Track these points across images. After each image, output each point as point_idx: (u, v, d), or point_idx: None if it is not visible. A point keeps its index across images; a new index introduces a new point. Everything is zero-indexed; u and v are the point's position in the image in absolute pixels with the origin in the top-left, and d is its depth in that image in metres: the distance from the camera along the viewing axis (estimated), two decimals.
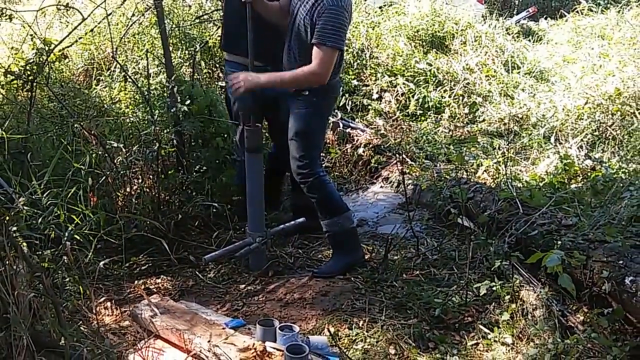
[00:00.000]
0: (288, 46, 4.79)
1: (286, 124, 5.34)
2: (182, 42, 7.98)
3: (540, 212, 4.71)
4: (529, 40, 12.20)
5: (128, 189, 5.39)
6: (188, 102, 5.46)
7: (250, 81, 4.66)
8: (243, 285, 4.80)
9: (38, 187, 3.82)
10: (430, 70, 9.26)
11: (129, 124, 5.90)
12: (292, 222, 5.36)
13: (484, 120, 8.56)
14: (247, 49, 4.74)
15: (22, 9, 7.65)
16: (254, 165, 4.84)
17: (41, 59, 5.06)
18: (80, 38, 7.00)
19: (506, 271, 4.32)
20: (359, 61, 9.20)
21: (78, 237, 3.92)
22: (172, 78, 5.54)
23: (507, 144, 7.34)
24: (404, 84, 8.86)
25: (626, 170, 5.94)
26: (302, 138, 4.83)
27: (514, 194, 5.12)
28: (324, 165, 7.31)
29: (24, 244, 3.46)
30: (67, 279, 3.80)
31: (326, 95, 4.88)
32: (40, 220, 3.63)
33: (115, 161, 5.27)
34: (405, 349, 3.88)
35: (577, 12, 12.95)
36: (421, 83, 9.08)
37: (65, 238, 3.66)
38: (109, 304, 4.51)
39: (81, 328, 3.76)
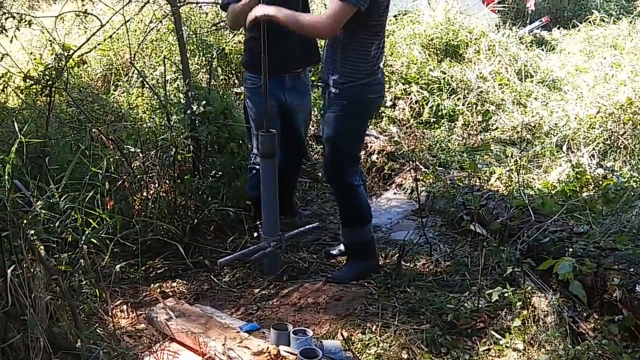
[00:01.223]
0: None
1: (299, 131, 5.39)
2: (199, 48, 8.02)
3: (552, 220, 4.72)
4: (542, 50, 12.18)
5: (145, 194, 5.43)
6: (204, 103, 5.50)
7: (264, 16, 4.48)
8: (257, 290, 4.83)
9: (56, 191, 3.86)
10: (444, 79, 9.26)
11: (146, 129, 5.94)
12: (307, 227, 5.40)
13: (497, 128, 8.56)
14: (276, 65, 4.83)
15: (41, 14, 7.70)
16: (268, 170, 4.86)
17: (60, 65, 5.12)
18: (98, 44, 7.05)
19: (518, 278, 4.33)
20: None
21: (95, 241, 3.97)
22: (187, 82, 5.60)
23: (520, 152, 7.34)
24: (418, 91, 8.86)
25: (637, 179, 5.94)
26: (331, 143, 4.75)
27: (526, 201, 5.13)
28: None
29: (42, 247, 3.49)
30: (84, 282, 3.84)
31: (359, 97, 4.62)
32: (57, 223, 3.67)
33: (132, 166, 5.32)
34: (418, 354, 3.90)
35: (590, 22, 12.93)
36: (435, 91, 9.09)
37: (82, 241, 3.70)
38: (125, 307, 4.56)
39: (97, 330, 3.81)
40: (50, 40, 5.40)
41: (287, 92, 5.30)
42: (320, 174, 7.34)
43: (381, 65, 4.75)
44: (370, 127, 8.16)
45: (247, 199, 5.67)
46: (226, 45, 8.18)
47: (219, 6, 6.49)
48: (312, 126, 7.84)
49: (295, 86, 5.40)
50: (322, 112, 5.15)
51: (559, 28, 14.68)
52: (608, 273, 3.93)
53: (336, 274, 4.95)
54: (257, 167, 5.42)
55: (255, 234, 5.21)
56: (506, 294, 4.10)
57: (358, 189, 4.86)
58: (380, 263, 5.09)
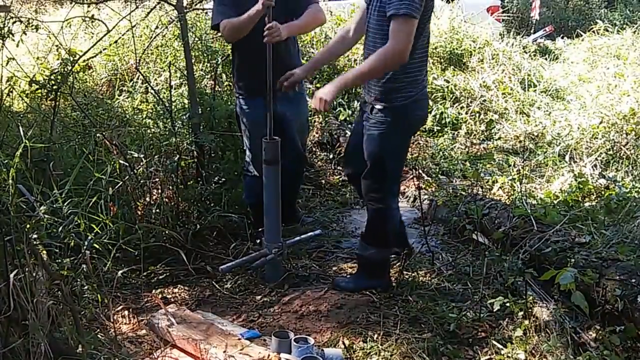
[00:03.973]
0: (365, 47, 4.52)
1: (294, 140, 5.37)
2: (205, 54, 8.03)
3: (554, 230, 4.73)
4: (546, 59, 12.22)
5: (148, 199, 5.44)
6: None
7: (329, 94, 4.34)
8: (259, 297, 4.82)
9: (59, 195, 3.86)
10: (447, 87, 9.28)
11: (150, 135, 5.95)
12: (309, 234, 5.41)
13: (499, 137, 8.58)
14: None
15: (48, 19, 7.72)
16: (271, 177, 4.86)
17: (66, 69, 5.13)
18: (104, 49, 7.06)
19: (520, 287, 4.34)
20: None
21: (97, 246, 3.95)
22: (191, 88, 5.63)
23: (523, 162, 7.36)
24: None
25: (639, 190, 5.96)
26: (373, 161, 4.54)
27: (529, 211, 5.14)
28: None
29: (44, 251, 3.50)
30: (86, 287, 3.83)
31: (406, 114, 4.44)
32: (60, 228, 3.66)
33: (135, 171, 5.33)
34: None
35: (593, 31, 12.97)
36: (439, 99, 9.11)
37: (85, 247, 3.70)
38: (126, 312, 4.55)
39: (98, 336, 3.81)
40: (56, 45, 5.42)
41: (280, 102, 5.20)
42: (323, 181, 7.35)
43: (425, 78, 4.57)
44: None
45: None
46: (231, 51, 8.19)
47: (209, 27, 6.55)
48: (316, 133, 7.85)
49: (288, 95, 5.38)
50: (353, 125, 5.10)
51: (562, 37, 14.75)
52: (610, 284, 3.93)
53: (341, 282, 4.89)
54: (250, 174, 5.46)
55: (258, 241, 5.21)
56: (508, 304, 4.09)
57: (393, 212, 4.75)
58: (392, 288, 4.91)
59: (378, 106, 4.43)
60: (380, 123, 4.44)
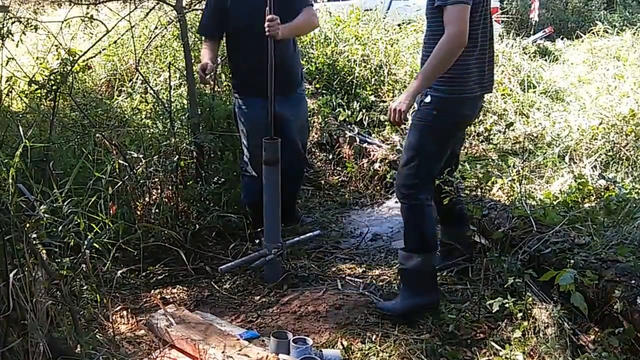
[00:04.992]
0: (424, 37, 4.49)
1: (294, 141, 5.35)
2: None
3: (554, 231, 4.71)
4: (545, 60, 12.21)
5: (147, 199, 5.44)
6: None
7: (403, 104, 4.15)
8: (258, 297, 4.82)
9: (59, 195, 3.86)
10: None
11: (149, 135, 5.96)
12: (308, 234, 5.40)
13: (499, 138, 8.57)
14: (264, 87, 4.81)
15: (47, 19, 7.72)
16: (270, 177, 4.87)
17: (65, 69, 5.13)
18: (103, 49, 7.06)
19: (519, 288, 4.32)
20: (376, 77, 9.21)
21: (97, 246, 3.96)
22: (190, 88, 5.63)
23: (522, 163, 7.34)
24: None
25: (639, 191, 5.95)
26: (410, 154, 4.43)
27: (528, 212, 5.12)
28: (340, 179, 7.35)
29: (44, 251, 3.50)
30: (85, 287, 3.84)
31: (452, 110, 4.31)
32: (60, 228, 3.66)
33: (135, 171, 5.33)
34: None
35: (593, 33, 12.97)
36: None
37: (85, 246, 3.70)
38: (125, 312, 4.54)
39: (97, 336, 3.80)
40: (55, 45, 5.42)
41: (279, 103, 5.18)
42: (322, 182, 7.34)
43: (485, 77, 4.48)
44: (373, 135, 8.16)
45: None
46: None
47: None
48: (316, 134, 7.84)
49: (287, 97, 5.39)
50: None
51: (562, 39, 14.76)
52: (609, 285, 3.92)
53: (386, 304, 4.55)
54: (248, 174, 5.47)
55: (257, 241, 5.21)
56: (507, 305, 4.07)
57: (427, 208, 4.50)
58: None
59: (427, 99, 4.30)
60: (425, 116, 4.32)
